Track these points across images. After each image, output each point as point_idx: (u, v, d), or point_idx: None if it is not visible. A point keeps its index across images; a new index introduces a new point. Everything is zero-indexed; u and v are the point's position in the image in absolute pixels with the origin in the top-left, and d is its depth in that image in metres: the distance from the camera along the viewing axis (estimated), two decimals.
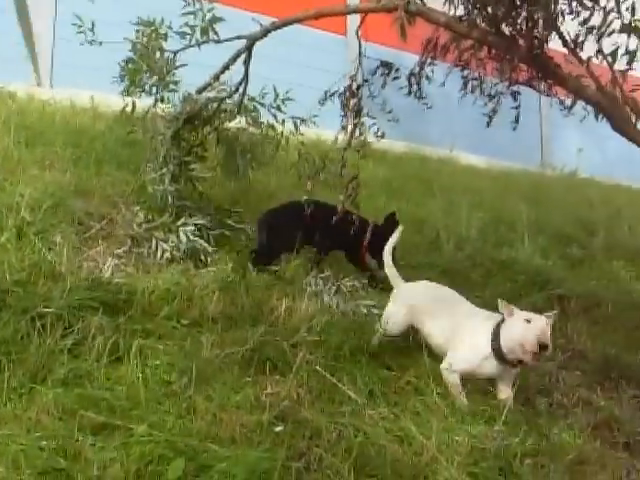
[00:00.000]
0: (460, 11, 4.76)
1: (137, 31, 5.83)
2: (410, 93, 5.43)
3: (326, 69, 11.48)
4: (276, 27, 4.98)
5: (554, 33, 4.49)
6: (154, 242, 5.27)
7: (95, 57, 9.81)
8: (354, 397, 3.89)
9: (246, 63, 5.40)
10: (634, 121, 4.44)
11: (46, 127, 7.39)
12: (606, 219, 9.54)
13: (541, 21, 4.44)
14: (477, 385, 4.36)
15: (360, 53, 4.95)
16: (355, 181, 4.84)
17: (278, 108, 6.21)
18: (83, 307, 4.09)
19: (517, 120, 5.56)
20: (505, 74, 4.88)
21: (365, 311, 5.03)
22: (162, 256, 5.19)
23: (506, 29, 4.56)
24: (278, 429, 3.42)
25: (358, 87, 5.00)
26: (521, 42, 4.52)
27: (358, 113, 4.97)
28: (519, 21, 4.49)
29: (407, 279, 4.91)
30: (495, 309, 4.13)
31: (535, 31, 4.47)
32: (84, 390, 3.43)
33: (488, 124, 5.54)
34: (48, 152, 6.36)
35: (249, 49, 5.27)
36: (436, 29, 4.96)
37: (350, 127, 5.02)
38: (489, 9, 4.50)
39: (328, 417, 3.64)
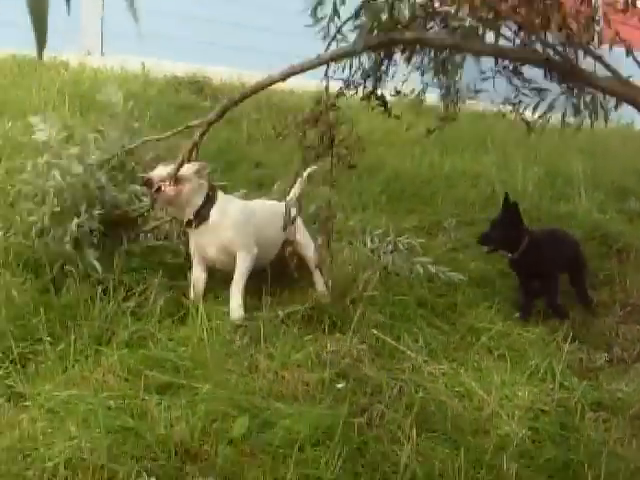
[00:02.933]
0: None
1: None
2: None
3: None
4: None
5: None
6: None
7: (144, 24, 9.97)
8: (413, 355, 3.91)
9: None
10: None
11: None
12: None
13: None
14: (536, 342, 4.36)
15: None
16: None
17: None
18: (143, 270, 4.17)
19: None
20: None
21: (421, 269, 4.99)
22: None
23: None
24: (340, 386, 3.46)
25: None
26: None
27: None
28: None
29: (462, 235, 4.91)
30: None
31: None
32: (148, 351, 3.50)
33: None
34: (103, 119, 6.40)
35: None
36: None
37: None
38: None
39: (388, 374, 3.68)
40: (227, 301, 4.06)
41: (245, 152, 7.08)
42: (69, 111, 6.54)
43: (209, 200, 4.17)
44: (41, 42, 1.19)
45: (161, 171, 4.08)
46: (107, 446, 2.75)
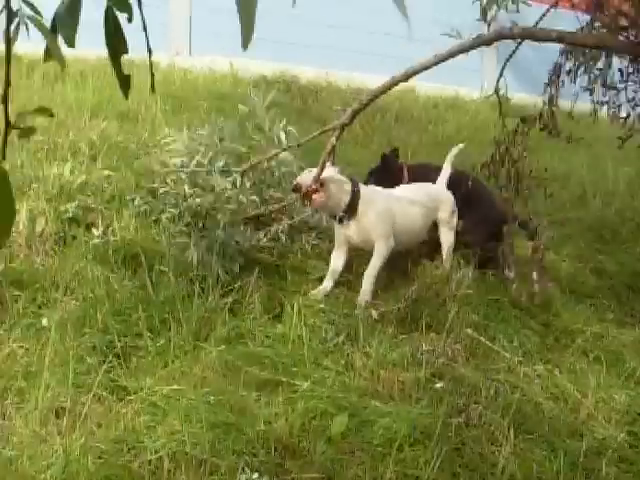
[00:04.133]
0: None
1: None
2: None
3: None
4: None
5: None
6: None
7: (231, 24, 10.06)
8: (508, 356, 3.88)
9: None
10: None
11: (189, 94, 7.56)
12: None
13: None
14: (633, 344, 4.27)
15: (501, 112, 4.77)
16: None
17: None
18: (240, 268, 4.20)
19: None
20: None
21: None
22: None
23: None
24: (438, 386, 3.45)
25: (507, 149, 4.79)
26: None
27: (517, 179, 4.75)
28: None
29: (554, 235, 4.84)
30: None
31: None
32: (246, 347, 3.55)
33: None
34: (194, 118, 6.47)
35: None
36: None
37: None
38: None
39: (484, 374, 3.65)
40: (321, 300, 4.09)
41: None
42: (161, 111, 6.61)
43: (355, 196, 4.35)
44: (247, 36, 1.22)
45: (308, 176, 4.26)
46: (209, 440, 2.80)
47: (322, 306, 3.97)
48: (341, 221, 4.37)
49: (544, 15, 4.54)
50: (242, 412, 3.05)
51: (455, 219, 4.88)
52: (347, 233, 4.39)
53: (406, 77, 4.27)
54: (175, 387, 3.14)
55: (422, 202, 4.66)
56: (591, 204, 6.72)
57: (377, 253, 4.32)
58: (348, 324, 3.83)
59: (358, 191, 4.36)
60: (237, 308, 3.91)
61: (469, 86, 10.71)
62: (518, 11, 4.96)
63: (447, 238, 4.82)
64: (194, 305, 3.75)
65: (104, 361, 3.31)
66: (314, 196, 4.21)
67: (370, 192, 4.47)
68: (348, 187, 4.35)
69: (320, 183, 4.22)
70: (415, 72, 4.26)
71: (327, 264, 4.41)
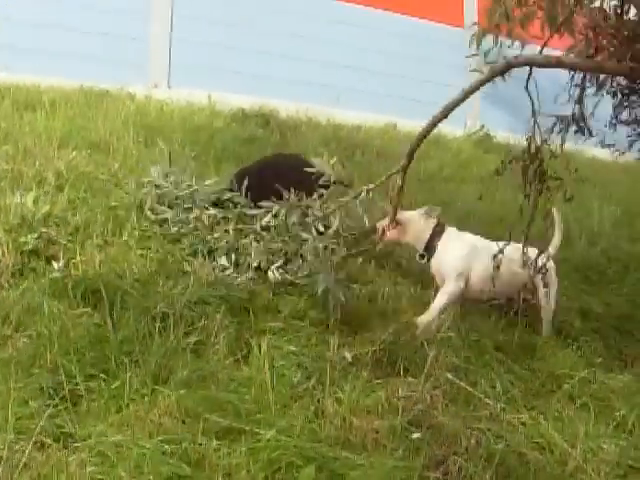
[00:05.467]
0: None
1: None
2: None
3: (445, 63, 11.30)
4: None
5: None
6: None
7: (211, 57, 9.99)
8: (491, 403, 3.69)
9: None
10: None
11: (164, 126, 7.43)
12: None
13: None
14: (622, 390, 4.08)
15: (534, 111, 4.66)
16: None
17: None
18: (205, 305, 4.01)
19: None
20: None
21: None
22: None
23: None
24: (415, 436, 3.25)
25: (537, 150, 4.57)
26: None
27: (541, 177, 4.63)
28: None
29: None
30: None
31: None
32: (208, 392, 3.31)
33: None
34: (167, 150, 6.32)
35: None
36: None
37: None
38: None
39: (464, 422, 3.46)
40: (292, 341, 3.89)
41: None
42: (133, 142, 6.46)
43: (435, 234, 4.74)
44: None
45: (385, 221, 4.79)
46: None
47: (292, 348, 3.77)
48: (422, 257, 4.77)
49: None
50: (200, 463, 2.84)
51: (554, 287, 4.85)
52: (431, 270, 4.77)
53: (444, 114, 4.45)
54: (127, 435, 2.91)
55: (509, 257, 4.54)
56: (576, 244, 6.58)
57: (442, 290, 4.59)
58: (319, 367, 3.62)
59: (440, 231, 4.75)
60: (201, 349, 3.69)
61: (452, 123, 10.61)
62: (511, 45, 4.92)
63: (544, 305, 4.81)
64: (154, 345, 3.52)
65: (50, 405, 3.05)
66: (387, 233, 4.77)
67: (453, 235, 4.80)
68: (431, 226, 4.76)
69: (397, 222, 4.74)
70: (450, 108, 4.45)
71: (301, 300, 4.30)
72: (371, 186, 4.58)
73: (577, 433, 3.53)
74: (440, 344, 4.02)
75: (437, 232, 4.74)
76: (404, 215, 4.80)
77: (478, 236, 4.88)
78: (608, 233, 7.11)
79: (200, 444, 2.94)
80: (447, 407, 3.58)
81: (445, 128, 10.39)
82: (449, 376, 3.76)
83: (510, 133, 10.29)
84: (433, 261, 4.73)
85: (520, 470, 3.20)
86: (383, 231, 4.78)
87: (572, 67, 4.54)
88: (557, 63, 4.40)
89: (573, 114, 4.57)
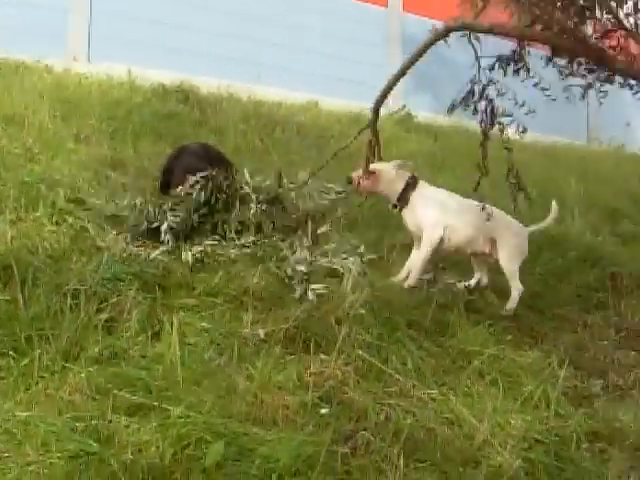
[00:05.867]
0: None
1: None
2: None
3: (368, 42, 11.34)
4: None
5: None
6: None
7: (132, 31, 9.83)
8: (401, 379, 3.73)
9: None
10: None
11: (82, 100, 7.31)
12: None
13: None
14: (530, 367, 4.18)
15: (476, 53, 4.93)
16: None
17: None
18: (118, 282, 3.96)
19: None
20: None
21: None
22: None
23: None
24: (324, 411, 3.27)
25: (483, 88, 5.03)
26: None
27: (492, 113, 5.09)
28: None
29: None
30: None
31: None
32: (119, 369, 3.29)
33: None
34: (84, 125, 6.23)
35: None
36: None
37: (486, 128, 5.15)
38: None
39: (375, 398, 3.50)
40: (205, 317, 3.87)
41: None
42: (50, 116, 6.33)
43: (409, 186, 4.97)
44: None
45: (358, 172, 5.02)
46: (67, 472, 2.54)
47: (205, 325, 3.75)
48: (395, 207, 5.01)
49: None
50: (109, 439, 2.81)
51: (514, 244, 5.17)
52: (405, 221, 5.02)
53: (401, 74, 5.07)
54: (37, 412, 2.88)
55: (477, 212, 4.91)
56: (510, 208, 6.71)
57: (422, 243, 4.92)
58: (232, 344, 3.61)
59: (413, 183, 4.98)
60: (113, 325, 3.65)
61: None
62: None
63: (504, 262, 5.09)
64: (65, 321, 3.48)
65: None
66: (362, 182, 4.98)
67: (427, 186, 5.08)
68: (404, 179, 4.97)
69: (371, 173, 4.96)
70: (398, 76, 5.06)
71: (215, 277, 4.26)
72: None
73: (485, 408, 3.58)
74: (353, 321, 4.02)
75: (410, 184, 4.97)
76: (377, 166, 5.05)
77: (448, 191, 5.18)
78: (523, 214, 7.22)
79: (110, 421, 2.91)
80: (358, 383, 3.60)
81: (367, 107, 10.52)
82: (361, 353, 3.78)
83: (432, 114, 10.43)
84: (407, 213, 4.98)
85: (428, 444, 3.23)
86: (358, 182, 4.99)
87: (505, 34, 4.89)
88: (490, 29, 4.71)
89: (513, 52, 4.97)
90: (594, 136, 14.32)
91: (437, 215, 4.92)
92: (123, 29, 9.70)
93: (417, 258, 4.92)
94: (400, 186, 4.97)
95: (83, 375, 3.15)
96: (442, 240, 4.91)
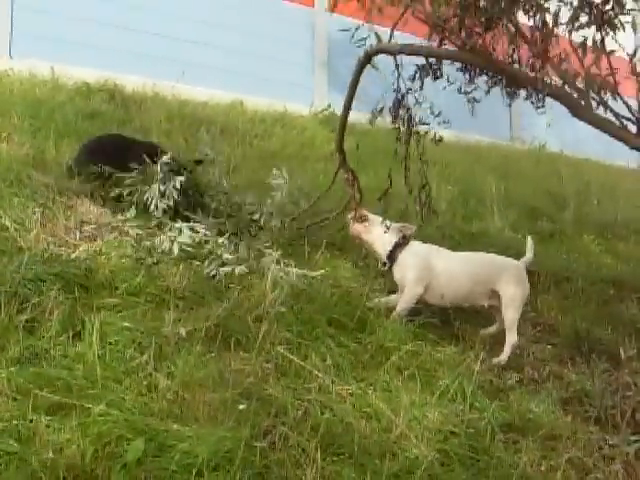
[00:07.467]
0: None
1: None
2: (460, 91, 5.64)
3: (294, 42, 11.38)
4: None
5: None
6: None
7: (55, 27, 9.68)
8: (320, 375, 3.81)
9: None
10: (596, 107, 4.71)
11: (3, 98, 7.18)
12: (575, 193, 9.46)
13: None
14: (447, 362, 4.30)
15: (397, 66, 5.23)
16: None
17: None
18: (40, 282, 3.93)
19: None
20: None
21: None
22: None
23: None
24: (242, 407, 3.32)
25: (402, 97, 5.35)
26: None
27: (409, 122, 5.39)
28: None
29: None
30: None
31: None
32: (40, 369, 3.30)
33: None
34: (5, 123, 6.16)
35: None
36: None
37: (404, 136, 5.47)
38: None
39: (294, 394, 3.58)
40: (126, 317, 3.87)
41: None
42: None
43: (399, 245, 5.00)
44: None
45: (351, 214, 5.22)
46: None
47: (126, 324, 3.76)
48: (384, 265, 5.03)
49: None
50: (29, 439, 2.84)
51: (519, 292, 4.92)
52: (394, 277, 4.98)
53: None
54: None
55: (474, 264, 5.05)
56: (412, 220, 6.80)
57: (401, 299, 4.87)
58: (153, 342, 3.63)
59: (404, 243, 5.00)
60: (34, 326, 3.64)
61: (299, 102, 10.71)
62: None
63: (507, 312, 4.87)
64: None
65: None
66: (352, 225, 5.19)
67: (416, 246, 5.06)
68: (395, 239, 5.02)
69: (363, 219, 5.15)
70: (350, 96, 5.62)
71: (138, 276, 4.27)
72: None
73: (403, 402, 3.69)
74: (273, 319, 4.09)
75: (401, 244, 4.98)
76: (373, 220, 5.15)
77: (438, 246, 5.14)
78: (444, 211, 7.36)
79: (30, 420, 2.93)
80: (278, 380, 3.67)
81: (292, 106, 10.59)
82: (281, 350, 3.87)
83: (357, 113, 10.51)
84: (395, 268, 4.97)
85: (346, 438, 3.32)
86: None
87: (415, 53, 5.10)
88: (401, 50, 4.97)
89: (429, 63, 5.24)
90: (517, 136, 14.57)
91: (419, 274, 4.86)
92: (46, 25, 9.54)
93: (397, 309, 4.83)
94: (391, 245, 5.00)
95: (4, 375, 3.16)
96: (433, 296, 4.90)
